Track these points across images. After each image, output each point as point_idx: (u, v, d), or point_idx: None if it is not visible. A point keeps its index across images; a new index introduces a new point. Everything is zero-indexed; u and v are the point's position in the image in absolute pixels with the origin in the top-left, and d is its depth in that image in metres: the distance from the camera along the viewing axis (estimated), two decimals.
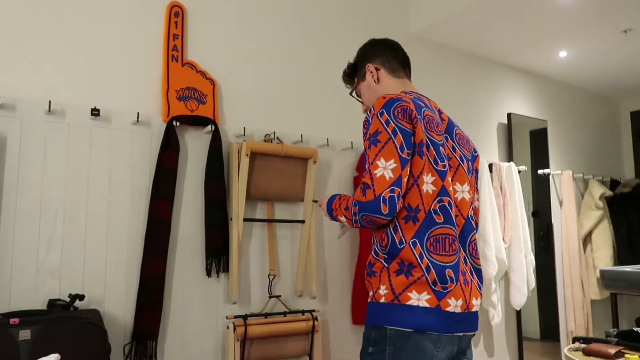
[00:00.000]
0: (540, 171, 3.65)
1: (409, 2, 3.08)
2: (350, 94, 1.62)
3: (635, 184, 4.15)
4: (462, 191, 1.38)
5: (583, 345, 1.92)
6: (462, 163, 1.40)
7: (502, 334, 3.27)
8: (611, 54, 3.44)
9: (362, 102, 1.59)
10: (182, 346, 2.08)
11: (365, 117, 1.35)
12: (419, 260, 1.24)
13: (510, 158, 3.48)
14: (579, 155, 4.12)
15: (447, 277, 1.24)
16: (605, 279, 2.78)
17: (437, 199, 1.29)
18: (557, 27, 2.99)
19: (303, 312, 2.32)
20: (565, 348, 1.96)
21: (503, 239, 3.14)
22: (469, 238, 1.38)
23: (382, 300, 1.25)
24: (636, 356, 1.75)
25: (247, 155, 2.18)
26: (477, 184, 1.52)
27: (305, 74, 2.58)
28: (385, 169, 1.24)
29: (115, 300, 1.95)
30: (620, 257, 3.91)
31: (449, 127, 1.43)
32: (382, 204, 1.22)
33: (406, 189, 1.27)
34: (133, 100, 2.07)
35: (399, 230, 1.27)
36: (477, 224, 1.53)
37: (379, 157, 1.25)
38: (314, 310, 2.34)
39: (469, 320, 1.30)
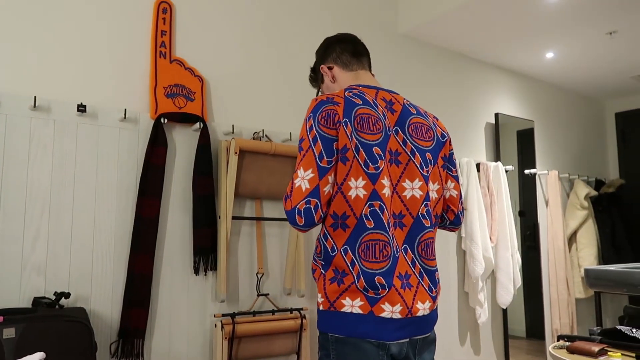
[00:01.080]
0: (526, 171, 3.69)
1: (398, 1, 3.09)
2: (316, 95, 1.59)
3: (620, 184, 4.22)
4: (411, 188, 1.30)
5: (567, 343, 1.95)
6: (414, 157, 1.31)
7: (489, 332, 3.30)
8: (597, 56, 3.48)
9: None
10: (169, 344, 2.07)
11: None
12: (350, 267, 1.23)
13: (497, 158, 3.52)
14: (565, 155, 4.17)
15: (378, 284, 1.21)
16: (590, 277, 2.82)
17: (368, 204, 1.23)
18: (544, 28, 3.02)
19: (291, 310, 2.32)
20: (550, 346, 1.99)
21: (490, 238, 3.17)
22: (419, 238, 1.30)
23: (321, 307, 1.27)
24: (619, 354, 1.77)
25: (236, 153, 2.17)
26: (452, 170, 1.45)
27: (295, 72, 2.58)
28: (303, 179, 1.22)
29: (101, 298, 1.93)
30: (605, 257, 3.97)
31: (402, 118, 1.34)
32: (297, 215, 1.21)
33: (330, 197, 1.25)
34: (120, 97, 2.06)
35: (329, 237, 1.26)
36: (456, 215, 1.45)
37: (299, 167, 1.24)
38: (302, 309, 2.35)
39: (414, 325, 1.25)
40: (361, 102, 1.29)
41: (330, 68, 1.49)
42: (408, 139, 1.33)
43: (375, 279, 1.21)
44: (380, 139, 1.27)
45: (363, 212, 1.23)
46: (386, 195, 1.25)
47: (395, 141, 1.31)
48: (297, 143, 2.51)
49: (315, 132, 1.24)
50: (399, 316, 1.22)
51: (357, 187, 1.23)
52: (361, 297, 1.22)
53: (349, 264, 1.23)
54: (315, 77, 1.59)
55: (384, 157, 1.27)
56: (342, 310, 1.22)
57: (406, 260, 1.28)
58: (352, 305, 1.22)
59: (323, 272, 1.28)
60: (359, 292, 1.22)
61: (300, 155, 1.25)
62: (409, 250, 1.29)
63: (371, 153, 1.25)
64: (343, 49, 1.49)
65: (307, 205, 1.21)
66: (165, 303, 2.07)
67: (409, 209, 1.29)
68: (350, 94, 1.31)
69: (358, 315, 1.21)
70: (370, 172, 1.24)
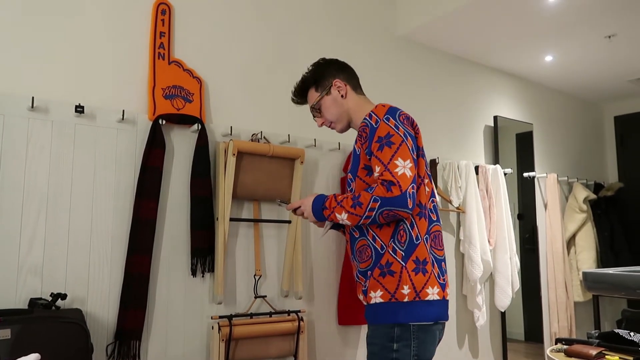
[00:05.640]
0: (525, 174, 3.69)
1: (397, 4, 3.09)
2: (313, 106, 1.64)
3: (618, 188, 4.21)
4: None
5: (565, 347, 1.95)
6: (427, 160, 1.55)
7: (487, 335, 3.29)
8: (595, 59, 3.48)
9: (319, 116, 1.66)
10: (166, 346, 2.06)
11: (365, 123, 1.44)
12: (430, 255, 1.38)
13: (496, 160, 3.51)
14: (564, 158, 4.17)
15: (444, 270, 1.42)
16: (588, 280, 2.81)
17: (431, 199, 1.45)
18: (543, 32, 3.03)
19: (289, 312, 2.32)
20: (548, 349, 1.98)
21: (488, 241, 3.16)
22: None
23: (406, 299, 1.34)
24: (616, 357, 1.77)
25: (234, 154, 2.17)
26: None
27: (293, 74, 2.58)
28: (404, 167, 1.34)
29: (98, 299, 1.92)
30: (603, 260, 3.97)
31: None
32: (408, 198, 1.32)
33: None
34: (118, 98, 2.05)
35: (415, 226, 1.39)
36: None
37: (396, 157, 1.35)
38: (299, 311, 2.34)
39: None
40: None
41: (345, 84, 1.60)
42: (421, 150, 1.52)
43: (442, 264, 1.42)
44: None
45: (428, 206, 1.44)
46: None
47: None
48: (294, 145, 2.51)
49: (403, 129, 1.40)
50: (448, 297, 1.43)
51: (425, 184, 1.45)
52: (437, 285, 1.37)
53: (429, 252, 1.39)
54: (306, 89, 1.66)
55: None
56: (427, 298, 1.35)
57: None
58: (433, 292, 1.36)
59: (403, 264, 1.36)
60: (435, 279, 1.37)
61: (393, 149, 1.36)
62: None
63: (425, 158, 1.49)
64: (352, 76, 1.64)
65: (413, 190, 1.34)
66: (162, 305, 2.07)
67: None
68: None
69: (438, 301, 1.37)
70: (429, 173, 1.47)
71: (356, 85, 1.63)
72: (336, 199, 1.43)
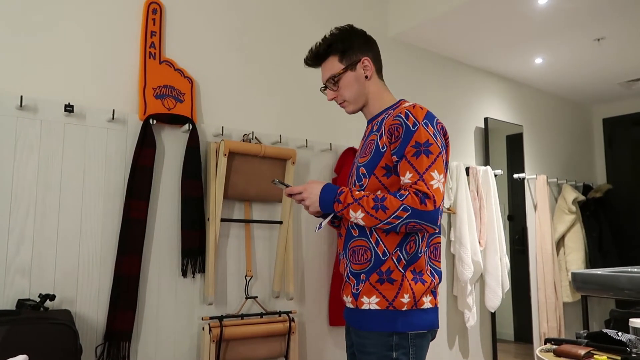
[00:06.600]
0: (515, 175, 3.72)
1: (389, 5, 3.10)
2: (333, 77, 1.46)
3: (607, 189, 4.26)
4: None
5: (554, 347, 1.96)
6: None
7: (477, 336, 3.31)
8: (584, 62, 3.52)
9: (333, 90, 1.47)
10: (156, 347, 2.05)
11: (399, 121, 1.31)
12: (426, 268, 1.36)
13: (486, 162, 3.53)
14: (554, 160, 4.21)
15: (440, 280, 1.41)
16: (577, 281, 2.84)
17: None
18: (533, 34, 3.05)
19: (280, 313, 2.31)
20: (537, 349, 2.00)
21: (479, 242, 3.18)
22: None
23: (405, 308, 1.31)
24: (605, 357, 1.79)
25: (225, 155, 2.16)
26: None
27: (285, 74, 2.58)
28: (439, 181, 1.28)
29: (87, 300, 1.91)
30: (592, 261, 4.01)
31: None
32: (439, 216, 1.28)
33: None
34: (109, 97, 2.04)
35: (425, 239, 1.36)
36: None
37: (432, 169, 1.27)
38: (290, 312, 2.34)
39: None
40: None
41: (372, 65, 1.47)
42: None
43: (441, 275, 1.41)
44: None
45: None
46: None
47: None
48: (286, 145, 2.51)
49: (440, 140, 1.34)
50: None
51: None
52: (430, 293, 1.35)
53: (426, 264, 1.36)
54: (324, 55, 1.45)
55: None
56: (423, 307, 1.33)
57: None
58: (427, 301, 1.34)
59: (403, 272, 1.33)
60: (431, 289, 1.36)
61: (430, 159, 1.28)
62: None
63: None
64: (378, 55, 1.51)
65: (442, 207, 1.30)
66: (152, 305, 2.05)
67: None
68: None
69: (432, 309, 1.35)
70: None
71: (380, 68, 1.50)
72: (353, 195, 1.31)
